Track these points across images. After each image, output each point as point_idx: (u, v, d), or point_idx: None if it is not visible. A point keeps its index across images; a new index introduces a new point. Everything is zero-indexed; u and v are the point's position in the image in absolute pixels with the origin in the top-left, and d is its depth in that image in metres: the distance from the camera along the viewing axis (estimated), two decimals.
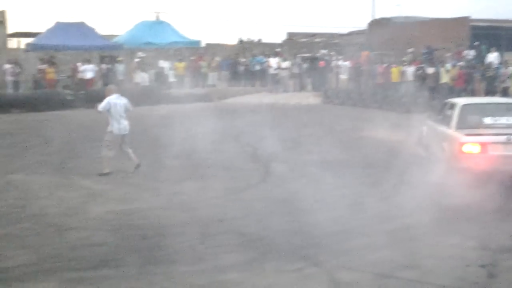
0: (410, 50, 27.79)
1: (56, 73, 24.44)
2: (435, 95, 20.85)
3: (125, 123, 10.88)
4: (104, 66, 25.80)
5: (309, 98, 24.81)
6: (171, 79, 27.25)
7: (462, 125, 9.37)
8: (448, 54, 26.04)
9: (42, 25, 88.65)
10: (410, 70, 23.75)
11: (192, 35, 29.17)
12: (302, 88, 27.82)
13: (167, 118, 18.85)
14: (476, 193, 8.12)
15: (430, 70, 23.19)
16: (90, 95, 20.14)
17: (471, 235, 7.00)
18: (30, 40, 27.86)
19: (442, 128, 10.03)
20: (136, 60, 26.24)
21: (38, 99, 20.66)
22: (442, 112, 10.57)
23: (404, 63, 24.71)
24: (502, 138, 8.85)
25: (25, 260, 6.34)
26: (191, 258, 6.36)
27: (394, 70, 24.09)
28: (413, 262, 6.12)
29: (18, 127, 16.74)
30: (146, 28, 28.22)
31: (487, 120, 9.38)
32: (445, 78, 22.46)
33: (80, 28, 26.35)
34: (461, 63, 23.34)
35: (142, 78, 25.70)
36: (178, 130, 15.96)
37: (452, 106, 10.09)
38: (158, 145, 13.77)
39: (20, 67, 24.03)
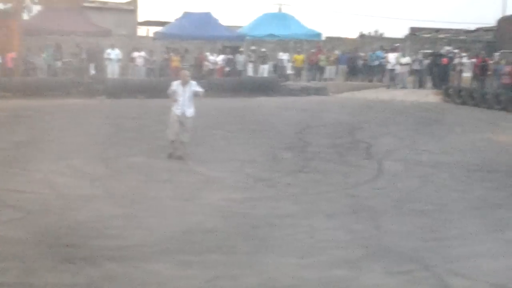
0: None
1: (181, 61, 25.32)
2: None
3: (187, 106, 11.10)
4: (225, 56, 26.43)
5: (428, 96, 24.05)
6: (289, 71, 27.43)
7: None
8: None
9: (170, 15, 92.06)
10: None
11: (312, 28, 29.11)
12: (421, 85, 27.01)
13: (283, 109, 19.01)
14: None
15: None
16: (212, 84, 20.79)
17: None
18: (158, 28, 29.06)
19: None
20: (248, 53, 26.69)
21: (162, 86, 21.52)
22: None
23: None
24: None
25: (141, 241, 6.66)
26: (300, 251, 6.41)
27: None
28: None
29: (142, 112, 17.55)
30: (270, 20, 28.47)
31: None
32: None
33: (206, 18, 27.05)
34: None
35: (263, 69, 26.13)
36: (293, 122, 16.07)
37: None
38: (272, 136, 13.94)
39: (151, 55, 25.17)
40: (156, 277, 5.62)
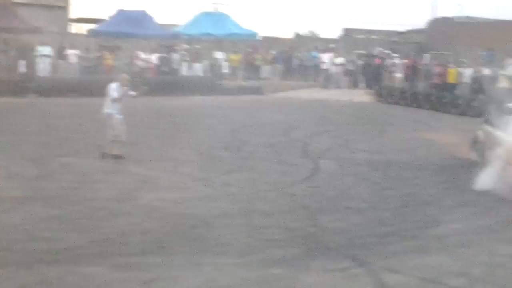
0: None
1: (115, 60, 24.89)
2: (492, 99, 20.29)
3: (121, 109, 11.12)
4: (160, 55, 26.14)
5: (362, 95, 24.54)
6: (225, 70, 27.40)
7: None
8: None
9: (104, 12, 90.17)
10: (468, 72, 23.19)
11: (248, 28, 29.17)
12: (355, 85, 27.54)
13: (219, 109, 18.99)
14: None
15: (489, 73, 22.58)
16: (147, 83, 20.61)
17: None
18: (91, 26, 28.46)
19: (500, 134, 9.81)
20: (182, 52, 26.51)
21: (95, 85, 21.11)
22: (501, 117, 10.32)
23: (462, 65, 24.14)
24: None
25: (76, 243, 6.51)
26: (238, 250, 6.42)
27: (452, 71, 23.54)
28: (462, 269, 5.99)
29: (75, 111, 17.15)
30: (206, 19, 28.28)
31: None
32: (503, 83, 21.78)
33: (141, 16, 26.66)
34: None
35: (196, 68, 26.00)
36: (230, 122, 16.09)
37: None
38: (209, 135, 13.91)
39: (87, 52, 24.66)
40: (93, 280, 5.51)
